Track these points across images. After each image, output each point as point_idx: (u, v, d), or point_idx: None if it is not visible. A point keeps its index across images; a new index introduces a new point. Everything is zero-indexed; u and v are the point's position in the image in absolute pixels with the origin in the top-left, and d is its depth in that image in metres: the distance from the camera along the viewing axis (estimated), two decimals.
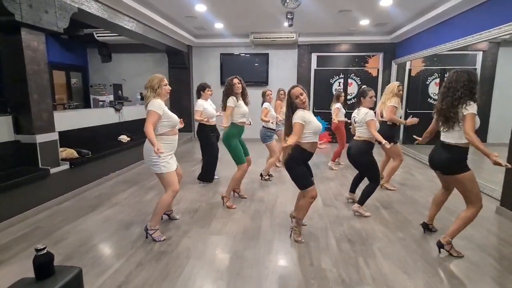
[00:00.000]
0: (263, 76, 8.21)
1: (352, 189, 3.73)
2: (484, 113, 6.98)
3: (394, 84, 4.09)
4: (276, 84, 7.54)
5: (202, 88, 4.39)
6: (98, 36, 7.39)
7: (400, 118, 4.04)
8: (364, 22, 6.43)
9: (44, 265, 1.47)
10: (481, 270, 2.34)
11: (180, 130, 3.00)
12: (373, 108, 3.37)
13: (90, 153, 4.36)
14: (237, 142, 3.53)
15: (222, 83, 4.21)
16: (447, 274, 2.29)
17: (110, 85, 7.73)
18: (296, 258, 2.50)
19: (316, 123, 2.58)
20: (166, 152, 2.68)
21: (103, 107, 6.40)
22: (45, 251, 1.48)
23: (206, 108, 4.26)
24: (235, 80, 3.47)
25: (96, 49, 8.20)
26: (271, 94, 4.87)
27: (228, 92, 3.47)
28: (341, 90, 7.71)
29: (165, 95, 2.75)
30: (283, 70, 8.23)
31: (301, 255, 2.54)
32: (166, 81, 2.75)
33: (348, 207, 3.60)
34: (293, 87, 2.61)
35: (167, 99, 2.85)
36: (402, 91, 4.10)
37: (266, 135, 4.64)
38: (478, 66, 6.97)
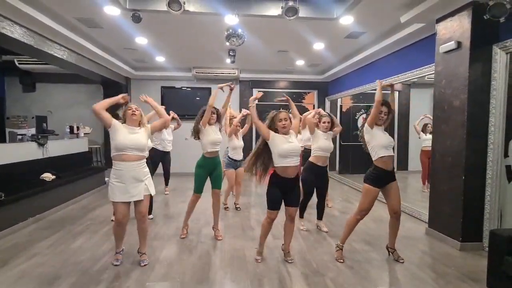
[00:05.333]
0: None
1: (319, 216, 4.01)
2: (404, 145, 7.96)
3: None
4: None
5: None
6: (20, 64, 6.66)
7: None
8: (300, 62, 6.99)
9: None
10: None
11: None
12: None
13: (3, 195, 3.70)
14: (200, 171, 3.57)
15: None
16: None
17: (33, 117, 6.87)
18: None
19: (281, 146, 2.70)
20: (113, 178, 2.71)
21: (23, 141, 5.60)
22: None
23: None
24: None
25: (17, 77, 7.35)
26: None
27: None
28: None
29: (129, 119, 2.79)
30: None
31: None
32: (129, 107, 2.81)
33: (296, 239, 3.61)
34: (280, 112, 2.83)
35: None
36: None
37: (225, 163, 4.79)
38: (396, 103, 8.04)
